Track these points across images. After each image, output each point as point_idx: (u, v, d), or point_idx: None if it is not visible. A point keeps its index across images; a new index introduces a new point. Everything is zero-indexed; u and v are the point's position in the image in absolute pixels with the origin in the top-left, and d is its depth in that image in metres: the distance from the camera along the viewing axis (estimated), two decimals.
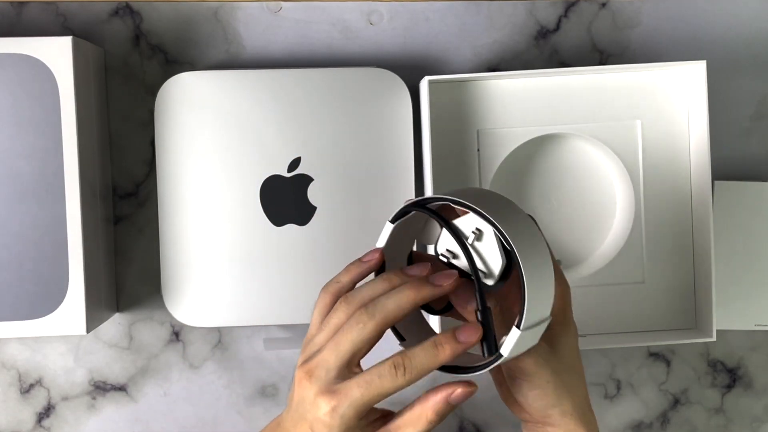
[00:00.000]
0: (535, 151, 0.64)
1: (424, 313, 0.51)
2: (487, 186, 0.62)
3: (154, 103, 0.62)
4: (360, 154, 0.62)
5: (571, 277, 0.63)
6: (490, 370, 0.46)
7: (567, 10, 0.66)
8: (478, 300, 0.45)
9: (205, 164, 0.61)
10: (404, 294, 0.45)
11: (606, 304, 0.63)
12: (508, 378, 0.50)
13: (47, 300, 0.57)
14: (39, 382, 0.65)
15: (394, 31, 0.65)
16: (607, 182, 0.65)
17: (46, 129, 0.56)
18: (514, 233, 0.44)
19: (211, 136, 0.61)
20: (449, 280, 0.46)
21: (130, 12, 0.64)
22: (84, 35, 0.63)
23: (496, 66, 0.66)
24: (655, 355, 0.68)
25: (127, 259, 0.65)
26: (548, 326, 0.47)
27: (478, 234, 0.46)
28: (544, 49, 0.66)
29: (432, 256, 0.50)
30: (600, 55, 0.67)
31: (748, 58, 0.67)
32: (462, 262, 0.47)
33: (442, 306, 0.50)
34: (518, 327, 0.44)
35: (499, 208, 0.46)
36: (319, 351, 0.46)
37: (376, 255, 0.49)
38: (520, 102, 0.62)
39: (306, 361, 0.47)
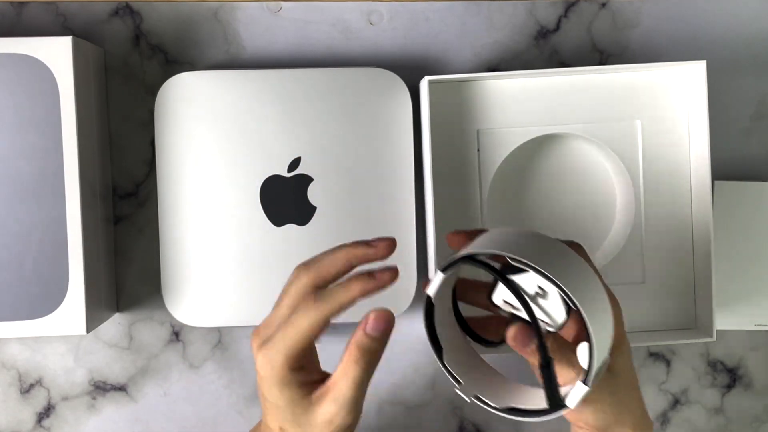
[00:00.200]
0: (535, 151, 0.64)
1: (474, 344, 0.51)
2: (486, 186, 0.62)
3: (154, 103, 0.62)
4: (360, 154, 0.62)
5: None
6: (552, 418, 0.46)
7: (567, 10, 0.66)
8: (542, 356, 0.45)
9: (205, 164, 0.61)
10: (351, 289, 0.47)
11: None
12: None
13: (47, 300, 0.57)
14: (39, 382, 0.65)
15: (394, 31, 0.65)
16: (607, 182, 0.65)
17: (46, 129, 0.56)
18: (578, 290, 0.44)
19: (211, 136, 0.61)
20: (390, 275, 0.47)
21: (130, 12, 0.64)
22: (84, 35, 0.63)
23: (496, 66, 0.66)
24: (655, 355, 0.68)
25: (127, 259, 0.65)
26: None
27: (542, 293, 0.46)
28: (544, 49, 0.66)
29: (479, 282, 0.51)
30: (600, 55, 0.67)
31: (748, 58, 0.67)
32: (520, 310, 0.46)
33: (496, 338, 0.50)
34: (585, 383, 0.45)
35: (554, 259, 0.45)
36: (271, 331, 0.48)
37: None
38: (520, 102, 0.62)
39: (257, 335, 0.49)
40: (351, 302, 0.47)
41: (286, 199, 0.62)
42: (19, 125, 0.56)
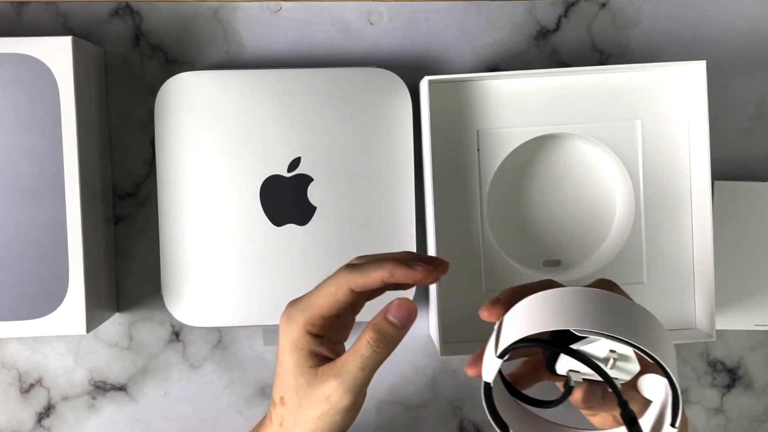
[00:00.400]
0: (535, 151, 0.64)
1: (531, 408, 0.49)
2: (486, 186, 0.62)
3: (154, 103, 0.62)
4: (360, 154, 0.62)
5: (571, 277, 0.63)
6: None
7: (567, 10, 0.66)
8: (626, 413, 0.44)
9: (205, 164, 0.61)
10: (384, 266, 0.47)
11: None
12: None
13: (47, 300, 0.57)
14: (39, 382, 0.65)
15: (394, 31, 0.65)
16: (607, 182, 0.65)
17: (46, 129, 0.56)
18: (653, 345, 0.42)
19: (211, 136, 0.61)
20: (424, 273, 0.47)
21: (130, 12, 0.64)
22: (84, 35, 0.63)
23: (496, 66, 0.66)
24: None
25: (127, 259, 0.65)
26: None
27: (617, 356, 0.44)
28: (544, 49, 0.66)
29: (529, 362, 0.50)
30: (600, 55, 0.67)
31: (748, 58, 0.67)
32: (586, 370, 0.44)
33: (530, 383, 0.49)
34: (673, 425, 0.44)
35: (619, 318, 0.43)
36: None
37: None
38: (520, 102, 0.62)
39: (290, 303, 0.50)
40: (378, 280, 0.47)
41: (286, 199, 0.62)
42: (19, 125, 0.56)
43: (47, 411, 0.65)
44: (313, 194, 0.62)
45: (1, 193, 0.56)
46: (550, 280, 0.48)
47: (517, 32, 0.66)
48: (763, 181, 0.67)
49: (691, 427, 0.69)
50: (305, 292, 0.49)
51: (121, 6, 0.64)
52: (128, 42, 0.64)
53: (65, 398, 0.65)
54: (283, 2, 0.65)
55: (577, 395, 0.46)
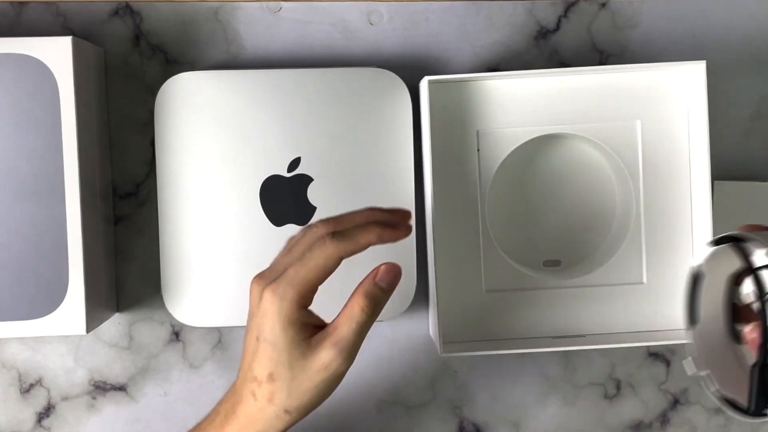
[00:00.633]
0: (535, 151, 0.64)
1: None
2: (487, 186, 0.62)
3: (154, 103, 0.62)
4: (360, 154, 0.62)
5: (571, 277, 0.63)
6: None
7: (567, 10, 0.66)
8: (761, 355, 0.42)
9: (205, 164, 0.61)
10: (369, 231, 0.49)
11: (606, 304, 0.63)
12: None
13: (47, 300, 0.57)
14: (39, 382, 0.65)
15: (394, 31, 0.65)
16: (607, 182, 0.65)
17: (46, 129, 0.56)
18: None
19: (211, 136, 0.61)
20: (406, 230, 0.50)
21: (130, 12, 0.64)
22: (84, 35, 0.63)
23: (496, 66, 0.66)
24: (655, 355, 0.68)
25: (127, 259, 0.65)
26: None
27: None
28: (544, 50, 0.66)
29: None
30: (600, 55, 0.67)
31: (748, 58, 0.67)
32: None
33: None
34: None
35: None
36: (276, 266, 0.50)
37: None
38: (520, 102, 0.62)
39: (262, 277, 0.50)
40: (366, 244, 0.48)
41: (286, 199, 0.62)
42: (19, 125, 0.56)
43: (47, 411, 0.65)
44: (313, 194, 0.62)
45: (1, 193, 0.56)
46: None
47: (517, 32, 0.66)
48: (763, 181, 0.67)
49: (691, 427, 0.69)
50: (272, 261, 0.50)
51: (121, 6, 0.64)
52: (128, 42, 0.64)
53: (65, 398, 0.65)
54: (283, 2, 0.65)
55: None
